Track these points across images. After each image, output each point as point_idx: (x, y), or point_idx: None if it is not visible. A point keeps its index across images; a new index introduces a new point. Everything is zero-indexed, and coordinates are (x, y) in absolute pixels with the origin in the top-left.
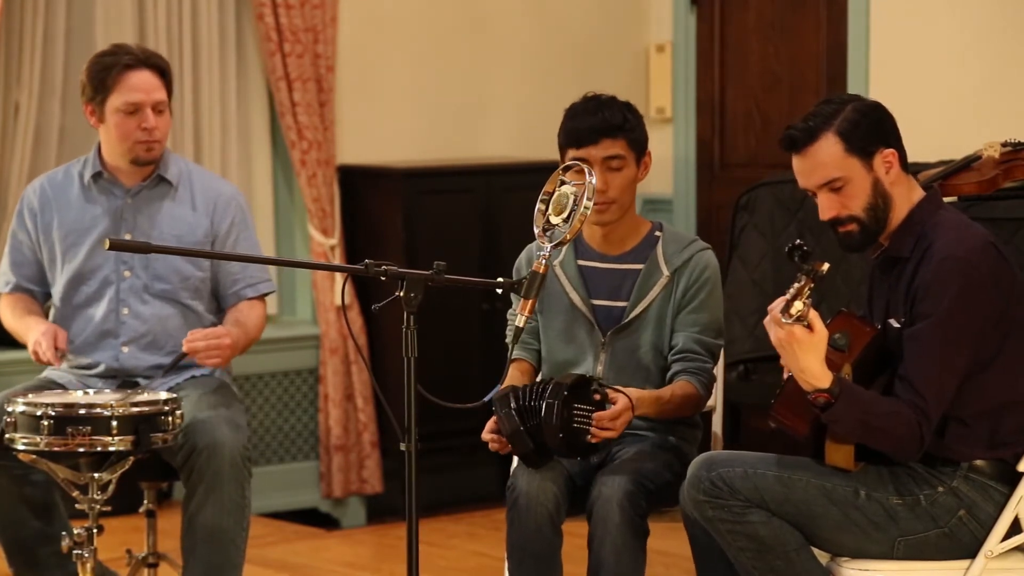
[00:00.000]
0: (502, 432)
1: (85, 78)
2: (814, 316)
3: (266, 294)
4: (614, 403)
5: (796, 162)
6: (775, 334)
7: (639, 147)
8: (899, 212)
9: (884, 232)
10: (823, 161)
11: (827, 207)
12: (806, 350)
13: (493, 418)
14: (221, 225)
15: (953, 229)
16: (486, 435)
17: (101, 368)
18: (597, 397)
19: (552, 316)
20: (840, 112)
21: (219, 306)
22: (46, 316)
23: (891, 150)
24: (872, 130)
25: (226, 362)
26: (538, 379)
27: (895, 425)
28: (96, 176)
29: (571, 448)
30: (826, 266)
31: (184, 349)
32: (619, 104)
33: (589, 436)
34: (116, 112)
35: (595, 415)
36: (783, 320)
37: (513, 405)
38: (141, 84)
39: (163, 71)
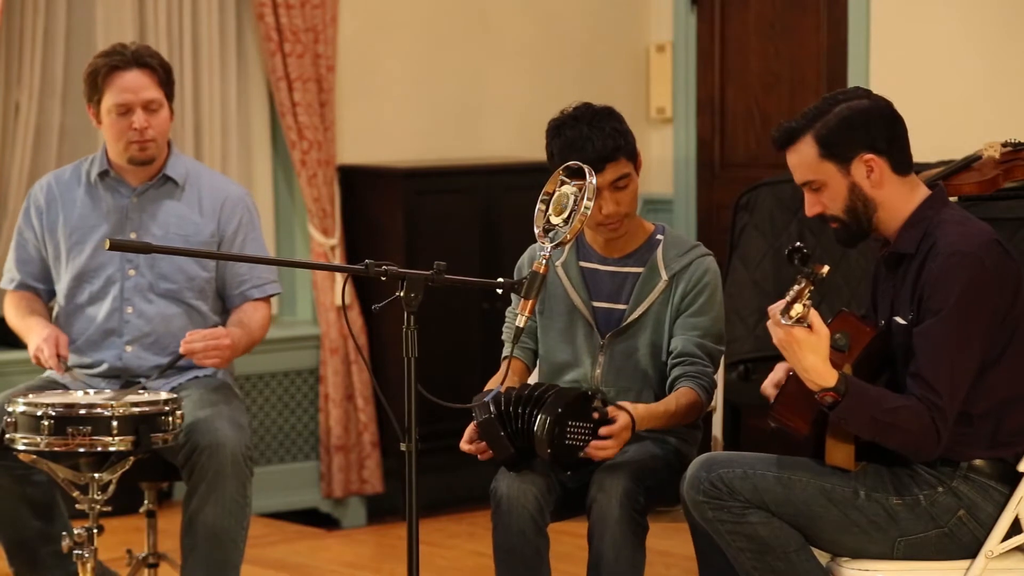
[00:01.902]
0: (482, 438)
1: (84, 78)
2: (814, 316)
3: (272, 295)
4: (614, 420)
5: (787, 158)
6: (776, 336)
7: (634, 154)
8: (894, 213)
9: (871, 232)
10: (799, 163)
11: (810, 204)
12: (807, 350)
13: (471, 427)
14: (228, 226)
15: (958, 225)
16: (464, 445)
17: (104, 367)
18: (596, 416)
19: (553, 317)
20: (826, 113)
21: (224, 307)
22: (50, 315)
23: (872, 155)
24: (852, 135)
25: (226, 363)
26: (530, 381)
27: (906, 420)
28: (103, 175)
29: (559, 463)
30: (826, 269)
31: (181, 350)
32: (604, 117)
33: (581, 452)
34: (109, 113)
35: (599, 432)
36: (783, 321)
37: (493, 411)
38: (130, 84)
39: (155, 69)
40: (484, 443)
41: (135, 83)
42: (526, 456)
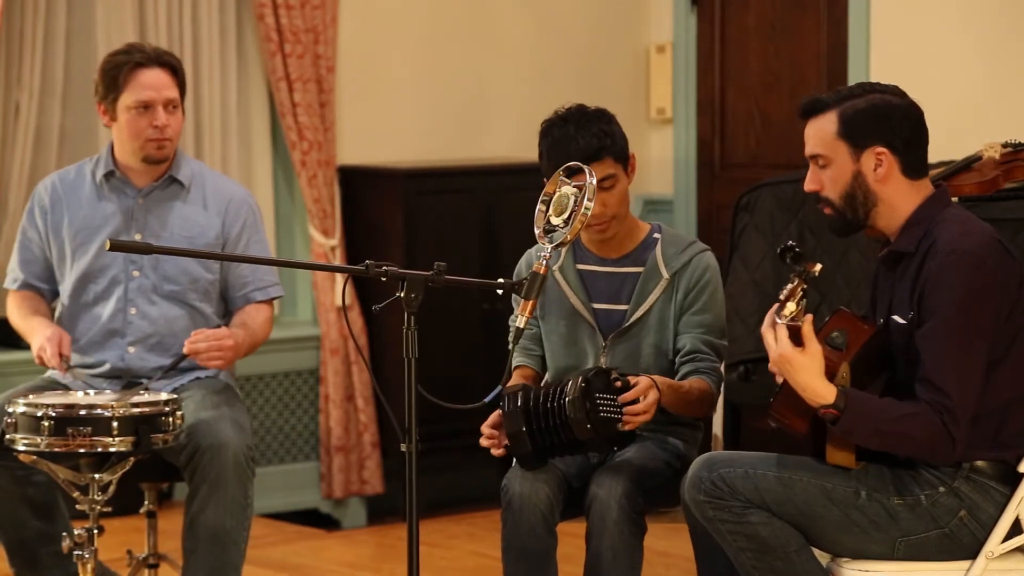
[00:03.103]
0: (505, 429)
1: (98, 77)
2: (808, 333)
3: (274, 298)
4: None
5: (805, 127)
6: (770, 355)
7: (623, 156)
8: (894, 212)
9: (865, 226)
10: (814, 134)
11: (810, 179)
12: (800, 371)
13: (496, 413)
14: (232, 228)
15: (959, 224)
16: (485, 428)
17: (106, 368)
18: (619, 384)
19: (553, 321)
20: (858, 97)
21: (227, 309)
22: (52, 315)
23: (885, 150)
24: (873, 125)
25: (228, 364)
26: (543, 382)
27: (913, 428)
28: (108, 175)
29: (604, 438)
30: (818, 267)
31: (185, 350)
32: (593, 119)
33: (620, 424)
34: (128, 110)
35: (621, 397)
36: (777, 321)
37: (519, 404)
38: (152, 82)
39: (175, 69)
40: (501, 434)
41: (158, 81)
42: (542, 457)
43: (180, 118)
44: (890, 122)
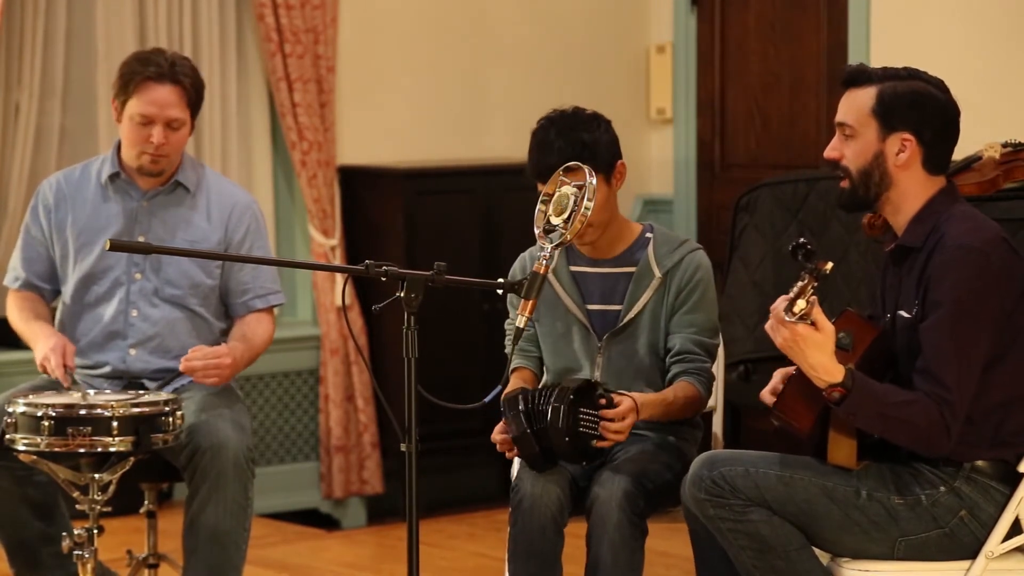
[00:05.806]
0: (509, 434)
1: (116, 74)
2: (818, 313)
3: (275, 305)
4: (619, 406)
5: (843, 95)
6: (780, 335)
7: (606, 166)
8: (905, 201)
9: (874, 206)
10: (850, 105)
11: (832, 147)
12: (813, 348)
13: (504, 420)
14: (235, 234)
15: (967, 220)
16: (496, 436)
17: (107, 369)
18: (603, 401)
19: (548, 323)
20: (901, 80)
21: (228, 313)
22: (53, 316)
23: (911, 137)
24: (908, 111)
25: (225, 380)
26: (542, 383)
27: (914, 414)
28: (113, 176)
29: (578, 452)
30: (829, 265)
31: (181, 368)
32: (578, 125)
33: (595, 441)
34: (131, 118)
35: (602, 412)
36: (786, 319)
37: (521, 407)
38: (158, 99)
39: (187, 88)
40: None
41: (164, 99)
42: (550, 457)
43: (183, 135)
44: (924, 112)
